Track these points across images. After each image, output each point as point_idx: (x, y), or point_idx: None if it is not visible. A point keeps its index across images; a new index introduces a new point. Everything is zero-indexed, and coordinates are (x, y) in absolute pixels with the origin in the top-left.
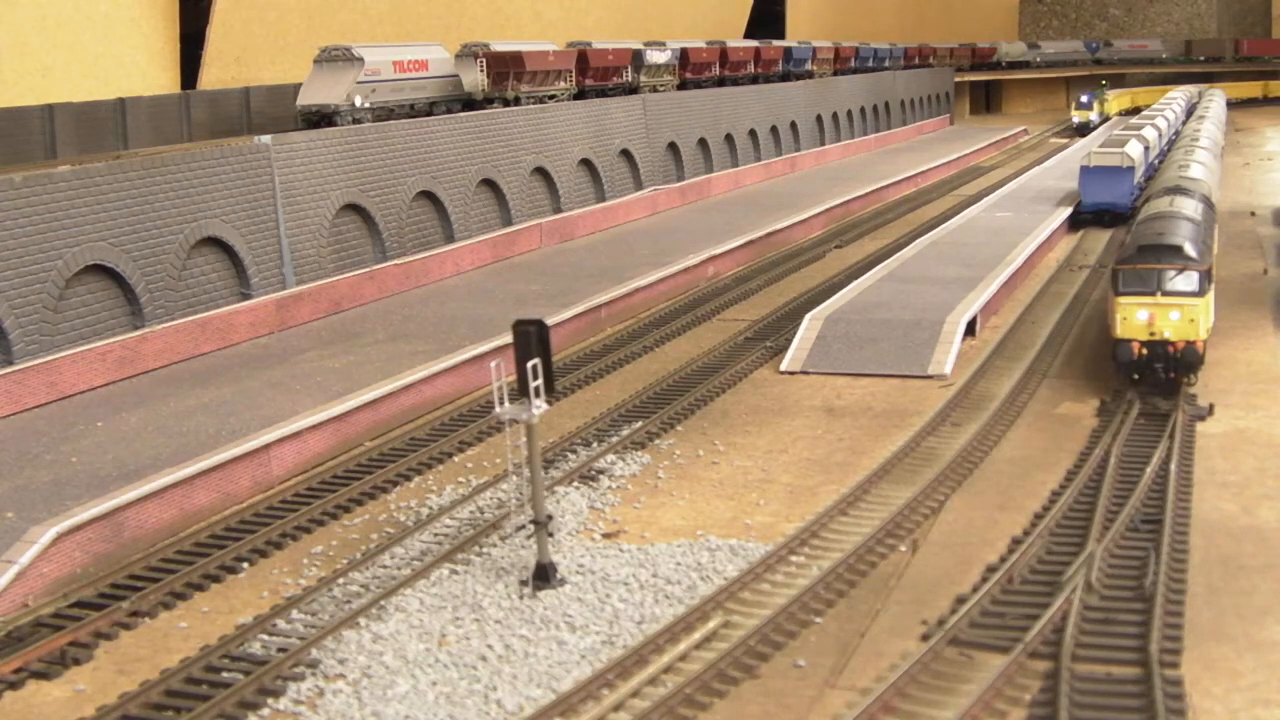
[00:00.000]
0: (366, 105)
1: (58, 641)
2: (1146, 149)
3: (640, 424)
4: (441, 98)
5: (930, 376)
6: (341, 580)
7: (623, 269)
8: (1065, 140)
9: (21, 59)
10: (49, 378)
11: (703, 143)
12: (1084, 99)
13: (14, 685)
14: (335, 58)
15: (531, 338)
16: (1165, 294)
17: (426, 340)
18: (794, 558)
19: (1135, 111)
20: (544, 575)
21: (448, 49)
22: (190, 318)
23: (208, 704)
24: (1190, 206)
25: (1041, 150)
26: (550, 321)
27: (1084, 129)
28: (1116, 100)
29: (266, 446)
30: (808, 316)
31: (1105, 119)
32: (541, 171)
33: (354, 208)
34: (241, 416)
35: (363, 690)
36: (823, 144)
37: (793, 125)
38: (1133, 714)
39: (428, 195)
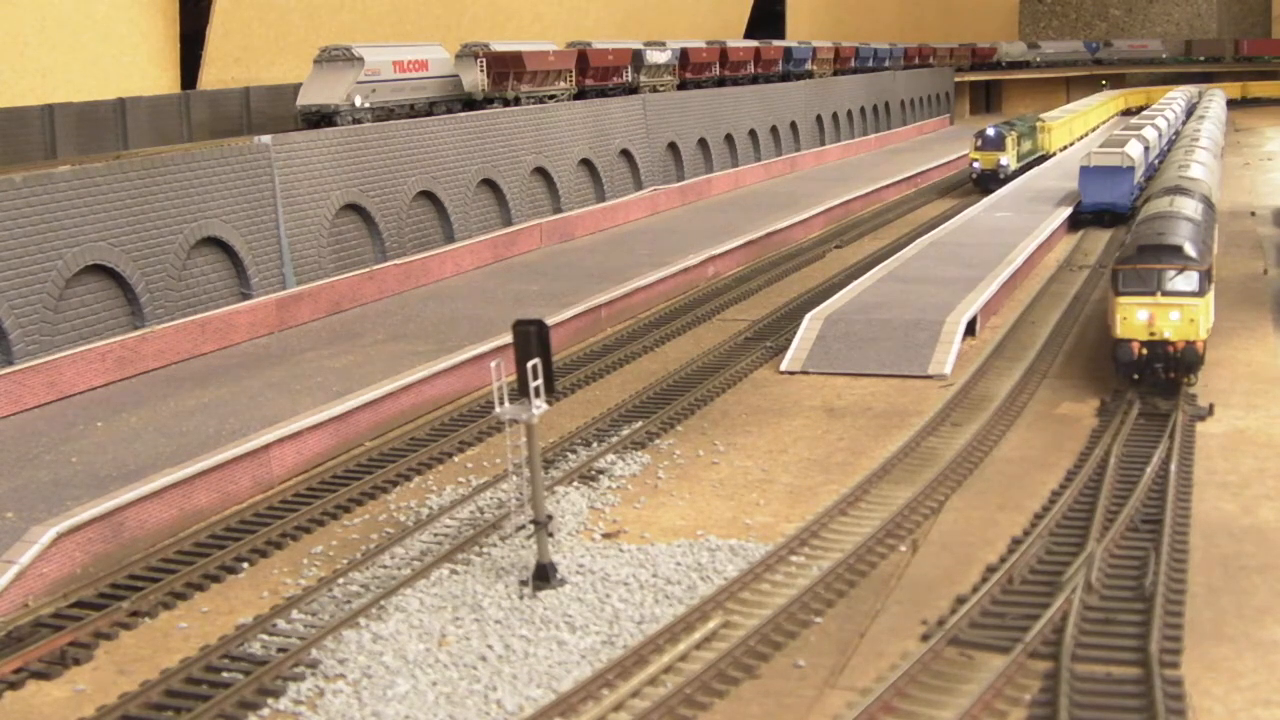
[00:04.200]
0: (366, 105)
1: (58, 641)
2: (1146, 149)
3: (640, 424)
4: (441, 98)
5: (930, 376)
6: (341, 580)
7: (623, 269)
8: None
9: (21, 59)
10: (49, 378)
11: (703, 143)
12: (990, 132)
13: (14, 685)
14: (335, 58)
15: (531, 338)
16: (1165, 294)
17: (426, 340)
18: (794, 558)
19: (1134, 112)
20: (544, 575)
21: (448, 49)
22: (190, 318)
23: (208, 704)
24: (1190, 206)
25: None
26: (550, 321)
27: (989, 181)
28: (1062, 127)
29: (266, 446)
30: (808, 316)
31: (1037, 159)
32: (541, 171)
33: (354, 208)
34: (241, 416)
35: (363, 690)
36: (823, 144)
37: (793, 125)
38: (1133, 714)
39: (428, 195)
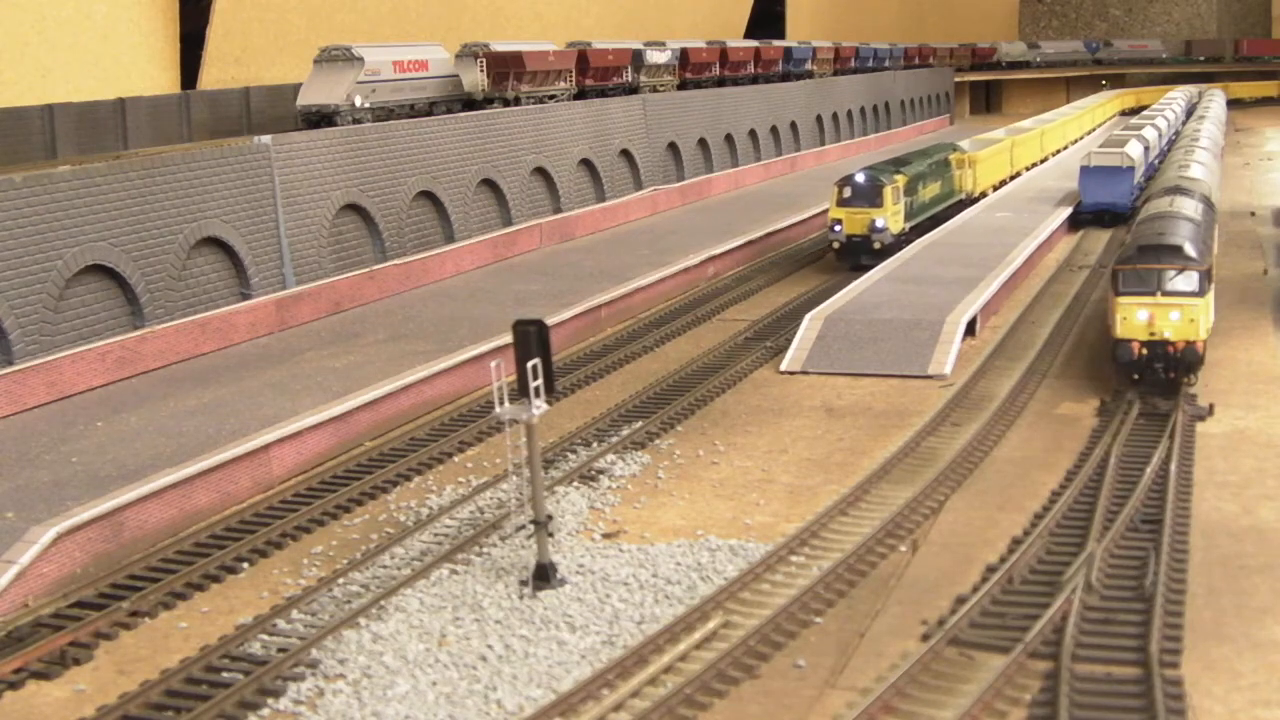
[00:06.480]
0: (366, 105)
1: (58, 641)
2: (1146, 149)
3: (640, 424)
4: (441, 98)
5: (930, 376)
6: (341, 580)
7: (623, 269)
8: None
9: (21, 59)
10: (49, 378)
11: (703, 143)
12: (858, 179)
13: (14, 685)
14: (335, 58)
15: (531, 338)
16: (1165, 294)
17: (426, 340)
18: (794, 558)
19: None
20: (544, 575)
21: (448, 49)
22: (190, 318)
23: (208, 704)
24: (1190, 206)
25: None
26: (550, 321)
27: (858, 253)
28: (995, 158)
29: (266, 446)
30: (808, 316)
31: (950, 208)
32: (541, 171)
33: (354, 208)
34: (241, 416)
35: (363, 690)
36: (823, 144)
37: (793, 125)
38: (1133, 714)
39: (428, 195)
